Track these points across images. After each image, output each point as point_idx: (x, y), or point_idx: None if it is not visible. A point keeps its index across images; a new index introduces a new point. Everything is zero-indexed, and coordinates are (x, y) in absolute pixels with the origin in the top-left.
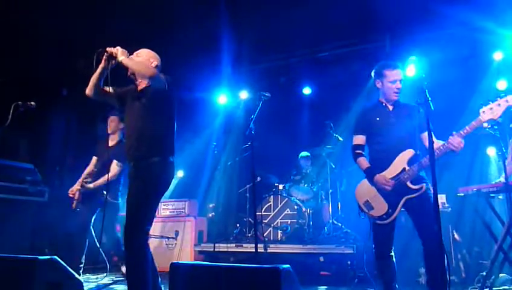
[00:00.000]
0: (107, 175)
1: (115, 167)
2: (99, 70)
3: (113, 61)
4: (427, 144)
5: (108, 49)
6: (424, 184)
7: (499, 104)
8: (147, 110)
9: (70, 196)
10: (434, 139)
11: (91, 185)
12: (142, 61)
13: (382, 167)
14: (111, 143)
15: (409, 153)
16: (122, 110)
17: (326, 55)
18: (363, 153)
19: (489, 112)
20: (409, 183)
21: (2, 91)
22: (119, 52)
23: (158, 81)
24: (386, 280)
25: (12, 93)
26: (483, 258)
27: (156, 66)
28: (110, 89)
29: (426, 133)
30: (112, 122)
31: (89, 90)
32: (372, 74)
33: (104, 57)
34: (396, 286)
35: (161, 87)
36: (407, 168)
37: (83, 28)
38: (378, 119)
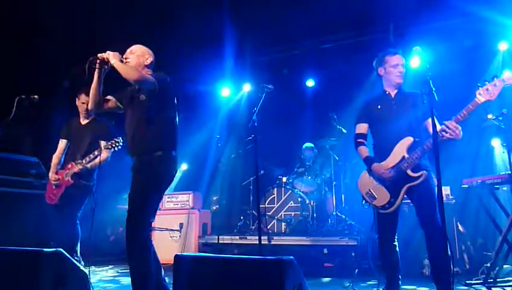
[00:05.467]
0: (99, 158)
1: (105, 150)
2: (95, 79)
3: (106, 66)
4: (431, 130)
5: (99, 55)
6: (425, 171)
7: (495, 84)
8: (145, 108)
9: (55, 182)
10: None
11: (88, 165)
12: (132, 64)
13: (384, 156)
14: (85, 121)
15: (407, 140)
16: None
17: (330, 47)
18: (365, 142)
19: (486, 93)
20: (409, 172)
21: (6, 85)
22: (111, 56)
23: (145, 84)
24: (389, 270)
25: (16, 87)
26: (488, 250)
27: (151, 62)
28: (109, 98)
29: (430, 120)
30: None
31: (91, 106)
32: (374, 64)
33: (97, 64)
34: (400, 276)
35: (151, 88)
36: (406, 156)
37: (85, 21)
38: (379, 107)
